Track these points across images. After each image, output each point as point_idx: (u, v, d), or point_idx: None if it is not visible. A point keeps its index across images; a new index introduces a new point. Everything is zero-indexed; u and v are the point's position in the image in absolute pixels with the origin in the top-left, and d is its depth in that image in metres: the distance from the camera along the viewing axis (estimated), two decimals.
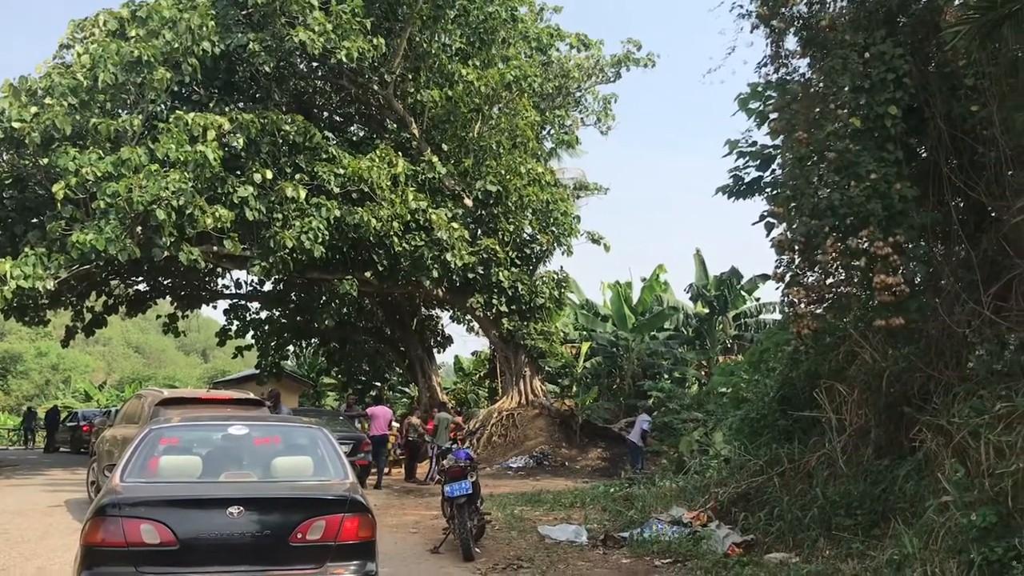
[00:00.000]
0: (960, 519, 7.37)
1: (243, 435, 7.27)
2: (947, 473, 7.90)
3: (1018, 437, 7.30)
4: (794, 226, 9.35)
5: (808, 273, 9.51)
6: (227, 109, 21.62)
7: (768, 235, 13.27)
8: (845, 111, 8.76)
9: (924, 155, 9.39)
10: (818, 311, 9.37)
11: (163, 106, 21.96)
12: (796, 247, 9.14)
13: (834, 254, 8.83)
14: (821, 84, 9.41)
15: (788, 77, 10.59)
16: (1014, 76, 8.42)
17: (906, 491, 9.18)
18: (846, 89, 8.82)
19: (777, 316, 30.57)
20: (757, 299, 32.02)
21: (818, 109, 9.18)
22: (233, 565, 5.97)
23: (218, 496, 6.24)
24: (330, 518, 6.19)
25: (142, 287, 28.24)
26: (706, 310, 30.81)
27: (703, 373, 29.53)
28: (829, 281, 9.55)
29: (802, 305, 9.22)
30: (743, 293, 31.33)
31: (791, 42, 10.25)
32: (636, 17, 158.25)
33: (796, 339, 10.80)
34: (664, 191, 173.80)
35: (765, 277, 30.83)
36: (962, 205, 9.28)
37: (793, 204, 9.42)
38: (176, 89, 21.75)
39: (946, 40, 8.82)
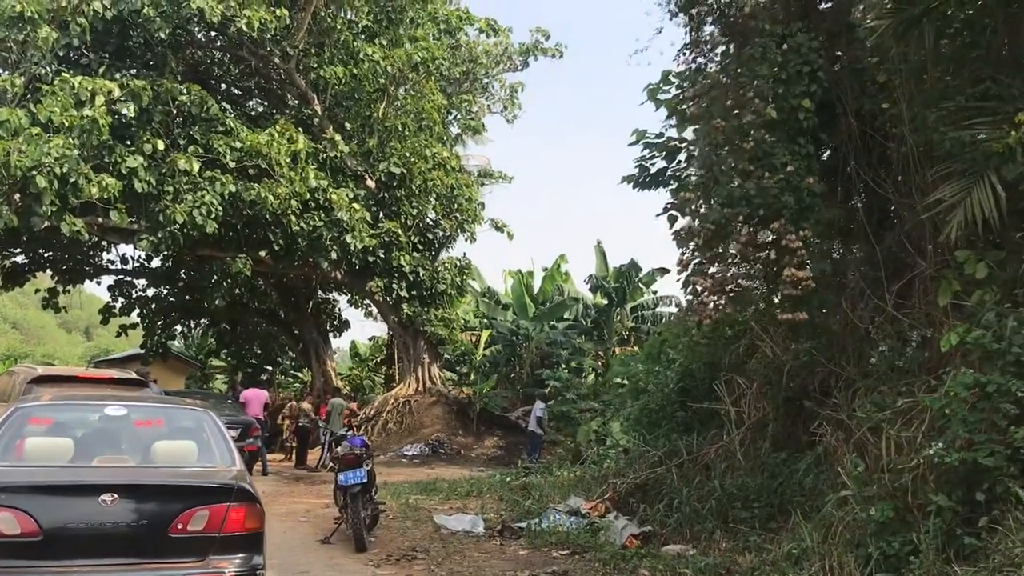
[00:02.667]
0: (859, 513, 7.38)
1: (121, 416, 6.70)
2: (847, 468, 7.93)
3: (918, 433, 7.35)
4: (703, 212, 9.24)
5: (716, 262, 9.43)
6: (118, 75, 20.45)
7: (671, 227, 13.27)
8: (761, 101, 8.71)
9: (833, 151, 9.40)
10: (721, 302, 9.29)
11: (48, 68, 20.69)
12: (704, 235, 9.04)
13: (744, 244, 8.76)
14: (739, 72, 9.33)
15: (704, 67, 10.52)
16: (926, 73, 8.50)
17: (804, 485, 9.23)
18: (764, 79, 8.76)
19: (673, 309, 31.06)
20: (654, 292, 32.39)
21: (732, 100, 9.09)
22: (104, 558, 5.47)
23: (89, 482, 5.70)
24: (214, 508, 5.74)
25: (20, 259, 26.60)
26: (605, 301, 31.00)
27: (600, 363, 29.69)
28: (732, 272, 9.49)
29: (706, 295, 9.13)
30: (641, 285, 31.64)
31: (711, 31, 10.18)
32: (547, 5, 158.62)
33: (696, 328, 10.75)
34: (568, 182, 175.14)
35: (663, 271, 31.26)
36: (868, 202, 9.35)
37: (703, 192, 9.32)
38: (64, 53, 20.52)
39: (860, 37, 8.87)
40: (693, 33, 10.34)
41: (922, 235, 8.57)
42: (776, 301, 10.22)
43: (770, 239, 8.65)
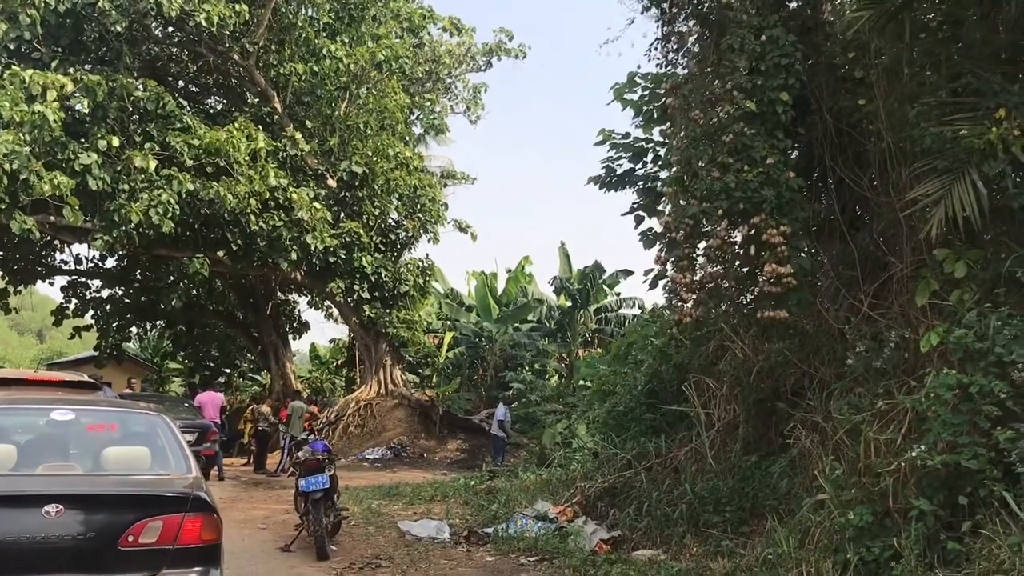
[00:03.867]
0: (837, 518, 7.20)
1: (69, 421, 6.28)
2: (825, 471, 7.75)
3: (897, 435, 7.19)
4: (680, 206, 9.02)
5: (695, 258, 9.22)
6: (72, 70, 19.86)
7: (637, 227, 13.13)
8: (740, 93, 8.53)
9: (807, 147, 9.25)
10: (698, 299, 9.09)
11: None
12: (682, 231, 8.83)
13: (722, 240, 8.56)
14: (717, 64, 9.14)
15: (675, 62, 10.36)
16: (906, 68, 8.37)
17: (778, 488, 9.06)
18: (741, 70, 8.58)
19: (637, 311, 31.05)
20: (618, 294, 32.38)
21: (710, 92, 8.90)
22: (48, 574, 5.09)
23: (32, 492, 5.30)
24: (168, 518, 5.37)
25: None
26: (569, 303, 30.90)
27: (564, 365, 29.52)
28: (710, 269, 9.29)
29: (684, 292, 8.92)
30: (605, 287, 31.59)
31: (683, 26, 9.99)
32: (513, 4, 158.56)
33: (676, 327, 10.55)
34: (532, 183, 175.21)
35: (627, 272, 31.28)
36: (843, 200, 9.21)
37: (680, 187, 9.11)
38: (14, 46, 19.87)
39: (835, 32, 8.73)
40: (666, 27, 10.16)
41: (898, 234, 8.44)
42: (750, 300, 10.09)
43: (749, 235, 8.44)
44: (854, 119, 8.91)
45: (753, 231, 8.42)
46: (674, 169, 9.57)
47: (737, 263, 9.45)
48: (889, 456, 7.11)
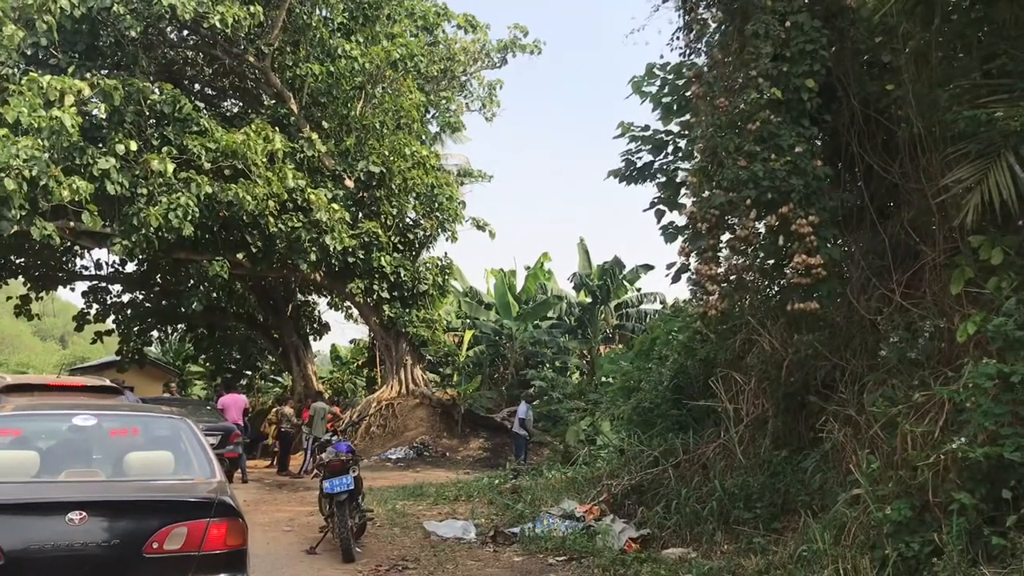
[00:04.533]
0: (874, 513, 7.02)
1: (91, 426, 6.21)
2: (860, 465, 7.57)
3: (935, 427, 7.00)
4: (705, 196, 8.83)
5: (720, 249, 9.03)
6: (88, 75, 19.86)
7: (659, 222, 12.97)
8: (765, 80, 8.34)
9: (833, 134, 9.04)
10: (723, 292, 8.89)
11: (16, 68, 20.10)
12: (707, 222, 8.65)
13: (748, 231, 8.36)
14: (741, 51, 8.95)
15: (697, 51, 10.17)
16: (939, 51, 8.16)
17: (811, 484, 8.88)
18: (766, 57, 8.40)
19: (658, 306, 30.84)
20: (639, 289, 32.17)
21: (735, 79, 8.71)
22: None
23: (55, 499, 5.22)
24: (193, 524, 5.27)
25: None
26: (589, 299, 30.70)
27: (585, 362, 29.34)
28: (735, 261, 9.09)
29: (710, 285, 8.73)
30: (625, 283, 31.40)
31: (706, 13, 9.79)
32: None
33: (701, 320, 10.37)
34: (549, 180, 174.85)
35: (647, 267, 31.04)
36: (871, 188, 9.00)
37: (705, 176, 8.91)
38: (31, 52, 19.89)
39: (862, 16, 8.54)
40: (687, 15, 9.98)
41: (930, 221, 8.24)
42: (776, 292, 9.91)
43: (775, 225, 8.24)
44: (881, 105, 8.70)
45: (779, 221, 8.22)
46: (698, 158, 9.36)
47: (762, 254, 9.25)
48: (927, 449, 6.93)
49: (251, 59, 22.83)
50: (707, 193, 8.81)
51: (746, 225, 8.35)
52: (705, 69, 9.36)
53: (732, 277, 9.04)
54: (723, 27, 9.21)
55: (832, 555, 7.34)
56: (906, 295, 8.33)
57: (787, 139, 8.19)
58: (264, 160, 20.62)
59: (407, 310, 24.92)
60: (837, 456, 8.54)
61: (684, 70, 12.27)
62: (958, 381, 6.97)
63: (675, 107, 12.82)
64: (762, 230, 9.30)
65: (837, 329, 9.21)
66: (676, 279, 11.91)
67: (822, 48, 8.41)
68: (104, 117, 19.45)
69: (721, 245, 9.10)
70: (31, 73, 18.49)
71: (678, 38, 10.45)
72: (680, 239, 12.01)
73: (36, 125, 17.44)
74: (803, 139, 8.31)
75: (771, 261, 9.66)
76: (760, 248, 9.09)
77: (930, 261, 8.17)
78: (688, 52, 10.62)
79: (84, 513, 5.03)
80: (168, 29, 22.72)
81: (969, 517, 6.34)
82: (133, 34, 20.19)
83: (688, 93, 10.13)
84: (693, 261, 9.53)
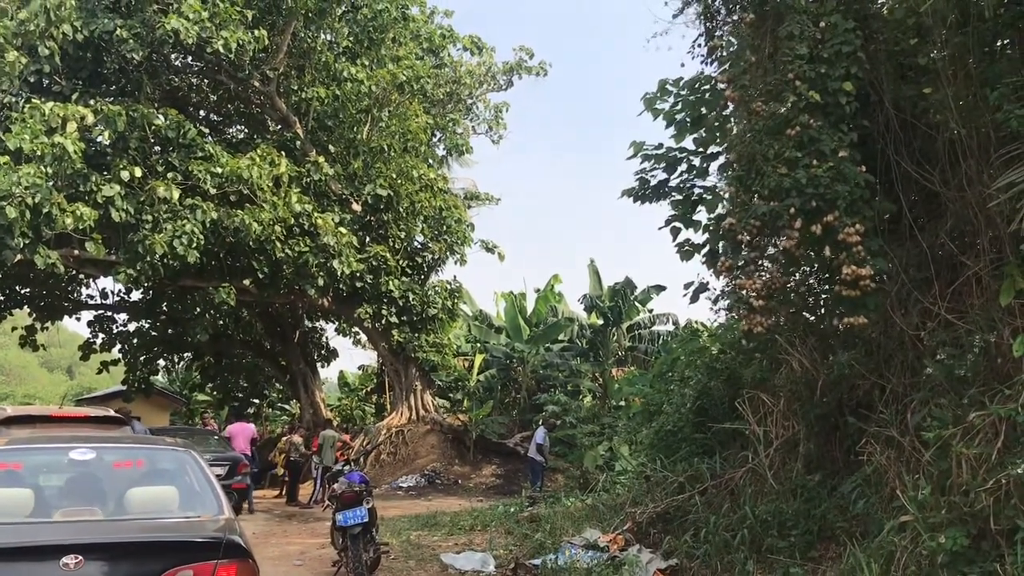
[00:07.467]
0: (927, 542, 6.55)
1: (89, 460, 5.79)
2: (907, 490, 7.11)
3: (991, 449, 6.54)
4: (744, 207, 8.39)
5: (761, 262, 8.61)
6: (92, 101, 19.58)
7: (675, 240, 12.55)
8: (803, 83, 7.95)
9: (868, 140, 8.63)
10: (768, 306, 8.43)
11: (18, 95, 19.89)
12: (749, 233, 8.23)
13: (796, 242, 7.92)
14: (774, 52, 8.56)
15: (719, 60, 9.78)
16: (985, 47, 7.76)
17: (851, 510, 8.40)
18: (802, 59, 8.01)
19: (671, 327, 30.40)
20: (650, 310, 31.73)
21: (770, 83, 8.30)
22: None
23: (48, 542, 4.76)
24: (200, 567, 4.82)
25: None
26: (600, 321, 30.29)
27: (598, 385, 28.88)
28: (777, 274, 8.63)
29: (753, 299, 8.30)
30: (637, 304, 30.96)
31: (732, 15, 9.43)
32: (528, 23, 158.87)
33: (745, 338, 9.91)
34: (558, 202, 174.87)
35: (659, 288, 30.63)
36: (910, 196, 8.59)
37: (742, 186, 8.49)
38: (34, 79, 19.66)
39: (896, 18, 8.17)
40: (708, 23, 9.63)
41: (972, 230, 7.82)
42: (815, 306, 9.49)
43: (819, 235, 7.80)
44: (918, 110, 8.31)
45: (825, 231, 7.79)
46: (735, 166, 8.96)
47: (807, 267, 8.83)
48: (983, 473, 6.47)
49: (256, 84, 22.58)
50: (744, 203, 8.39)
51: (791, 236, 7.91)
52: (740, 72, 8.94)
53: (775, 291, 8.57)
54: (754, 29, 8.82)
55: None
56: (950, 309, 7.89)
57: (828, 144, 7.80)
58: (270, 185, 20.31)
59: (416, 335, 24.55)
60: (879, 480, 8.07)
61: (699, 85, 11.93)
62: (1015, 399, 6.53)
63: (689, 123, 12.49)
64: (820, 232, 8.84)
65: (875, 346, 8.76)
66: (694, 299, 11.48)
67: (858, 50, 8.03)
68: (108, 143, 19.18)
69: (763, 258, 8.67)
70: (33, 100, 18.25)
71: (700, 45, 10.09)
72: (698, 257, 11.62)
73: (38, 152, 17.16)
74: (844, 144, 7.92)
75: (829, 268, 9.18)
76: (805, 260, 8.65)
77: (974, 272, 7.74)
78: (710, 59, 10.22)
79: (80, 557, 4.60)
80: (172, 55, 22.49)
81: None
82: (137, 59, 19.98)
83: (723, 90, 9.65)
84: (723, 278, 9.11)
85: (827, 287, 8.79)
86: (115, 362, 28.58)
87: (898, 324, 8.27)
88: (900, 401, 8.20)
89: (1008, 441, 6.56)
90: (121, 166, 18.90)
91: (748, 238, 8.31)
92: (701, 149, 12.60)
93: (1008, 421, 6.53)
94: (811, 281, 9.42)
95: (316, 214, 21.22)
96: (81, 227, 17.86)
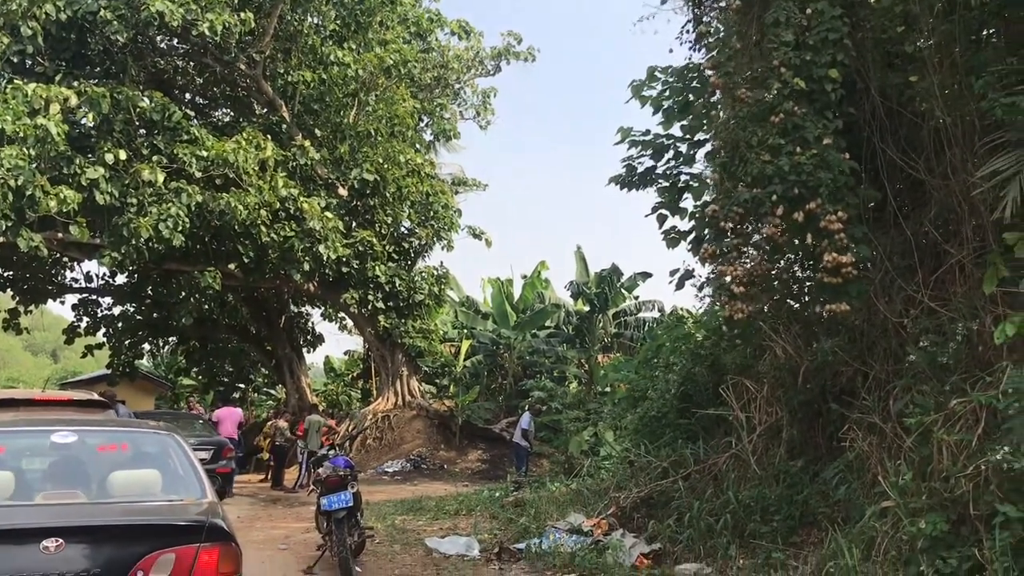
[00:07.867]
0: (907, 527, 6.60)
1: (71, 443, 5.76)
2: (888, 476, 7.16)
3: (972, 436, 6.59)
4: (727, 193, 8.41)
5: (744, 249, 8.62)
6: (76, 83, 19.40)
7: (661, 227, 12.58)
8: (788, 70, 7.95)
9: (853, 128, 8.65)
10: (750, 293, 8.45)
11: (1, 76, 19.71)
12: (731, 220, 8.24)
13: (777, 229, 7.95)
14: (760, 39, 8.56)
15: (706, 47, 9.77)
16: (973, 36, 7.78)
17: (833, 495, 8.46)
18: (788, 46, 8.01)
19: (656, 314, 30.45)
20: (636, 297, 31.74)
21: (755, 69, 8.32)
22: None
23: (27, 525, 4.73)
24: (182, 550, 4.80)
25: None
26: (587, 308, 30.30)
27: (583, 371, 28.94)
28: (758, 262, 8.66)
29: (735, 286, 8.31)
30: (623, 291, 30.97)
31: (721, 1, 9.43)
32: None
33: (727, 325, 9.95)
34: (545, 188, 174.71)
35: (645, 275, 30.65)
36: (894, 184, 8.62)
37: (726, 173, 8.50)
38: (17, 60, 19.49)
39: (883, 5, 8.18)
40: (696, 8, 9.61)
41: (956, 218, 7.86)
42: (797, 294, 9.53)
43: (803, 221, 7.82)
44: (904, 97, 8.33)
45: (807, 218, 7.82)
46: (702, 157, 8.98)
47: (791, 254, 8.85)
48: (964, 459, 6.52)
49: (242, 67, 22.43)
50: (728, 190, 8.40)
51: (773, 223, 7.93)
52: (725, 58, 8.94)
53: (756, 278, 8.60)
54: (740, 15, 8.80)
55: (862, 571, 6.95)
56: (933, 296, 7.93)
57: (812, 131, 7.80)
58: (256, 168, 20.19)
59: (403, 320, 24.53)
60: (861, 466, 8.13)
61: (687, 72, 11.93)
62: (997, 387, 6.57)
63: (676, 111, 12.49)
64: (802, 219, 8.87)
65: (858, 333, 8.81)
66: (680, 286, 11.52)
67: (845, 37, 8.04)
68: (92, 125, 19.03)
69: (746, 244, 8.68)
70: (16, 81, 18.07)
71: (688, 31, 10.07)
72: (684, 244, 11.65)
73: (21, 134, 17.01)
74: (828, 131, 7.94)
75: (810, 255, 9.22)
76: (789, 247, 8.67)
77: (958, 260, 7.78)
78: (698, 46, 10.20)
79: (60, 540, 4.57)
80: (158, 37, 22.28)
81: (1014, 531, 5.94)
82: (121, 41, 19.80)
83: (709, 77, 9.64)
84: (708, 265, 9.14)
85: (811, 274, 8.81)
86: (99, 346, 28.42)
87: (882, 311, 8.32)
88: (883, 388, 8.25)
89: (988, 428, 6.62)
90: (106, 148, 18.73)
91: (731, 225, 8.31)
92: (688, 136, 12.62)
93: (988, 408, 6.59)
94: (795, 268, 9.46)
95: (302, 198, 21.12)
96: (65, 210, 17.71)
